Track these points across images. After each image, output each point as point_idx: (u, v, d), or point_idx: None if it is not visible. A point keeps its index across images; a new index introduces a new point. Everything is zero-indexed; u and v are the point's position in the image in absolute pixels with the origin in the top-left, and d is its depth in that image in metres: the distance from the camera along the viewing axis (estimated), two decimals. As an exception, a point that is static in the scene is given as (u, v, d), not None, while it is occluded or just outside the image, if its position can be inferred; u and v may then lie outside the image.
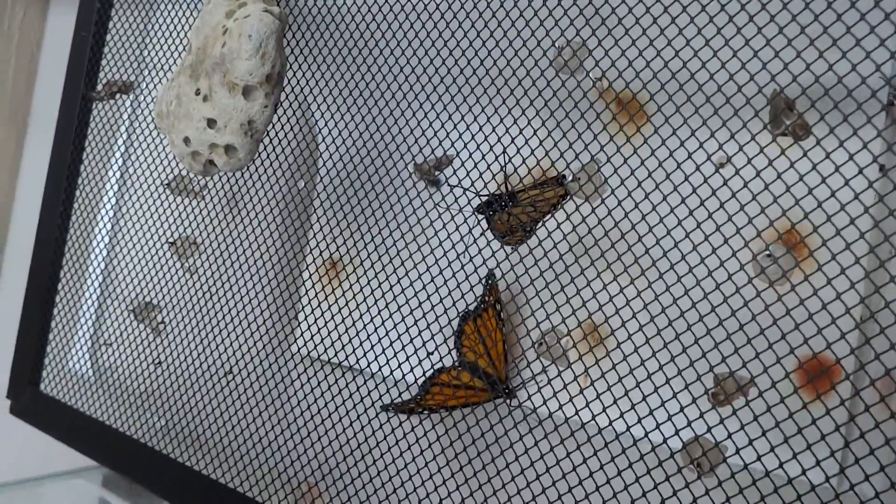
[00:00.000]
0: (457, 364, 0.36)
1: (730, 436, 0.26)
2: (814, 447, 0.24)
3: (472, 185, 0.34)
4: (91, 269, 0.50)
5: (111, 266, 0.50)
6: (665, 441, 0.27)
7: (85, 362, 0.50)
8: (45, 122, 0.72)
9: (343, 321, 0.38)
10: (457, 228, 0.34)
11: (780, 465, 0.25)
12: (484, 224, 0.34)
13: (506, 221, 0.34)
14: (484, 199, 0.33)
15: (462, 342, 0.36)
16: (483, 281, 0.35)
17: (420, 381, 0.35)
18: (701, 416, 0.27)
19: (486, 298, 0.35)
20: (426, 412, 0.36)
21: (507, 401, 0.34)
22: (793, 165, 0.26)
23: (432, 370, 0.35)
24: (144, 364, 0.46)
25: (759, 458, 0.25)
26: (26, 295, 0.53)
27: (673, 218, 0.28)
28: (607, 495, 0.28)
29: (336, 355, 0.37)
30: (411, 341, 0.34)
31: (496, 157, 0.33)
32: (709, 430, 0.26)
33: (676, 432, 0.27)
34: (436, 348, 0.34)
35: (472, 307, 0.36)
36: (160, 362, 0.45)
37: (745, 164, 0.27)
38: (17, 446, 0.63)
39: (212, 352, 0.42)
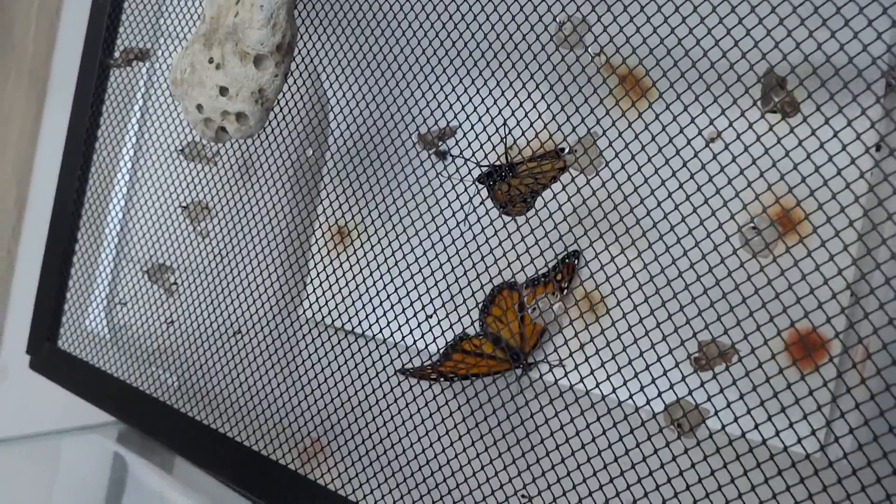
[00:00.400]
0: (480, 333, 0.35)
1: (709, 398, 0.27)
2: (788, 411, 0.25)
3: (474, 155, 0.35)
4: (107, 231, 0.52)
5: (126, 228, 0.52)
6: (648, 402, 0.28)
7: (101, 320, 0.52)
8: (63, 87, 0.73)
9: (347, 285, 0.39)
10: (457, 197, 0.35)
11: (756, 427, 0.26)
12: (485, 193, 0.35)
13: (506, 192, 0.35)
14: (485, 169, 0.34)
15: (490, 311, 0.35)
16: (564, 256, 0.34)
17: (418, 343, 0.36)
18: (683, 379, 0.28)
19: (553, 274, 0.34)
20: (441, 379, 0.36)
21: (519, 373, 0.35)
22: (780, 141, 0.26)
23: (455, 337, 0.35)
24: (157, 323, 0.47)
25: (735, 420, 0.26)
26: (45, 255, 0.55)
27: (664, 190, 0.29)
28: (592, 453, 0.29)
29: (340, 318, 0.39)
30: (411, 305, 0.36)
31: (497, 129, 0.34)
32: (690, 392, 0.28)
33: (659, 394, 0.28)
34: (434, 312, 0.35)
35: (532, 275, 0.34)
36: (172, 322, 0.46)
37: (734, 139, 0.28)
38: (35, 401, 0.65)
39: (222, 312, 0.44)
